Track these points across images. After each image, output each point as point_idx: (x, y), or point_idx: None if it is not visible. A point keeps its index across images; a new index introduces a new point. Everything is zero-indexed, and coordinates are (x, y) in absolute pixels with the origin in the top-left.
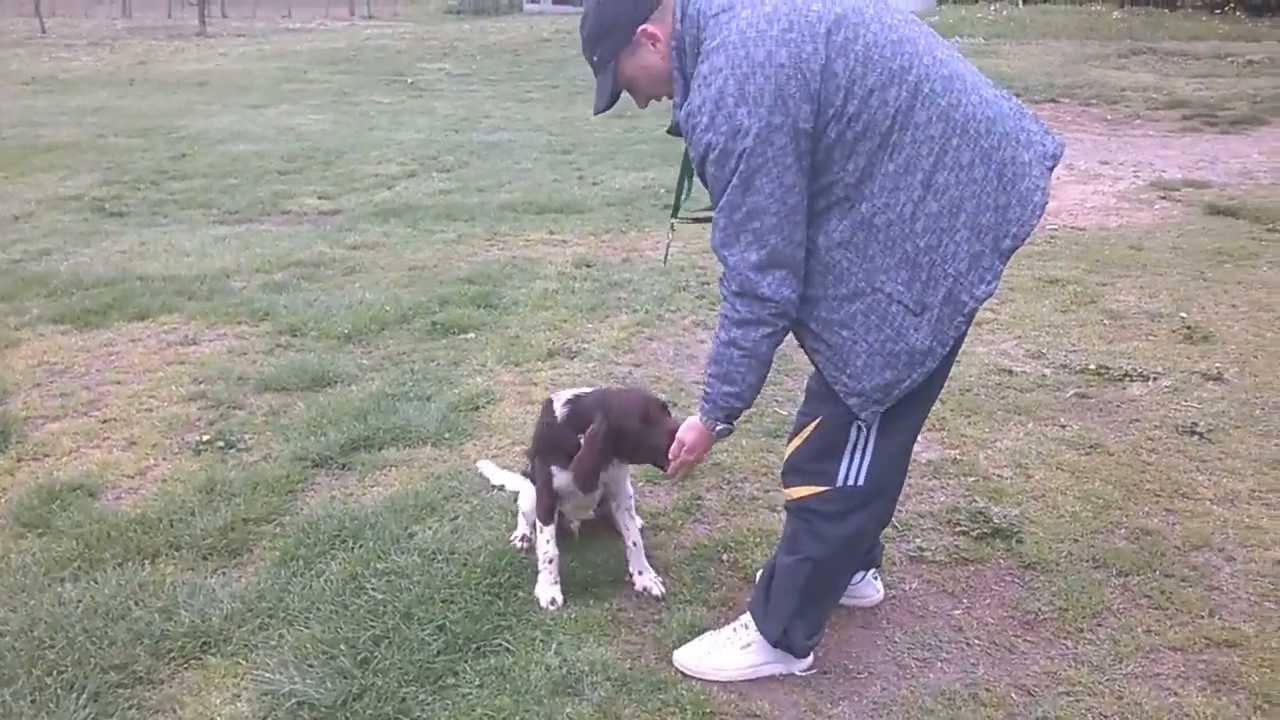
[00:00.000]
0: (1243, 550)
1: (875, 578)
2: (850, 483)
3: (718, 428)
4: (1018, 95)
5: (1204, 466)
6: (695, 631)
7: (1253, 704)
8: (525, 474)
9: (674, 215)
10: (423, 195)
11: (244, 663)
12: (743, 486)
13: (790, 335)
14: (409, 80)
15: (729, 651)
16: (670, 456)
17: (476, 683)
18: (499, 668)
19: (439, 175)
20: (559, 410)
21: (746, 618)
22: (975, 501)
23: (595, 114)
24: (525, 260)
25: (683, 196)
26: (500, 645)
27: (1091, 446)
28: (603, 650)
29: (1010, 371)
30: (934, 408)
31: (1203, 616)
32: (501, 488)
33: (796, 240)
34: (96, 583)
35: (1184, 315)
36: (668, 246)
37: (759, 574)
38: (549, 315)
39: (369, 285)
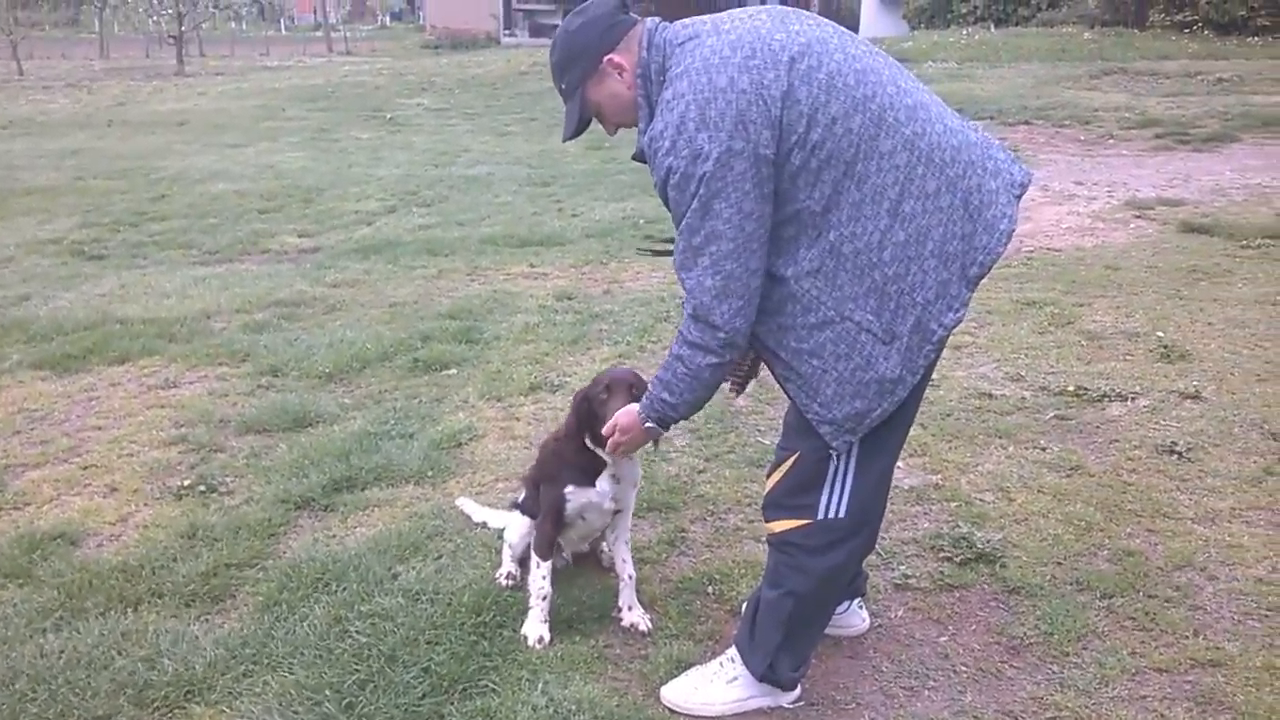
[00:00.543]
0: (1225, 569)
1: (860, 607)
2: (831, 515)
3: (647, 424)
4: (992, 118)
5: (1184, 486)
6: (682, 666)
7: None
8: (515, 505)
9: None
10: (403, 231)
11: (228, 711)
12: (726, 518)
13: None
14: (387, 116)
15: (716, 686)
16: (605, 433)
17: None
18: (485, 709)
19: (419, 210)
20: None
21: (732, 651)
22: (958, 527)
23: (564, 141)
24: (506, 294)
25: None
26: (486, 686)
27: (1072, 468)
28: (590, 688)
29: (990, 395)
30: (915, 433)
31: (1187, 637)
32: (484, 525)
33: (752, 268)
34: (79, 632)
35: (1161, 334)
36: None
37: (744, 606)
38: (531, 349)
39: (350, 323)
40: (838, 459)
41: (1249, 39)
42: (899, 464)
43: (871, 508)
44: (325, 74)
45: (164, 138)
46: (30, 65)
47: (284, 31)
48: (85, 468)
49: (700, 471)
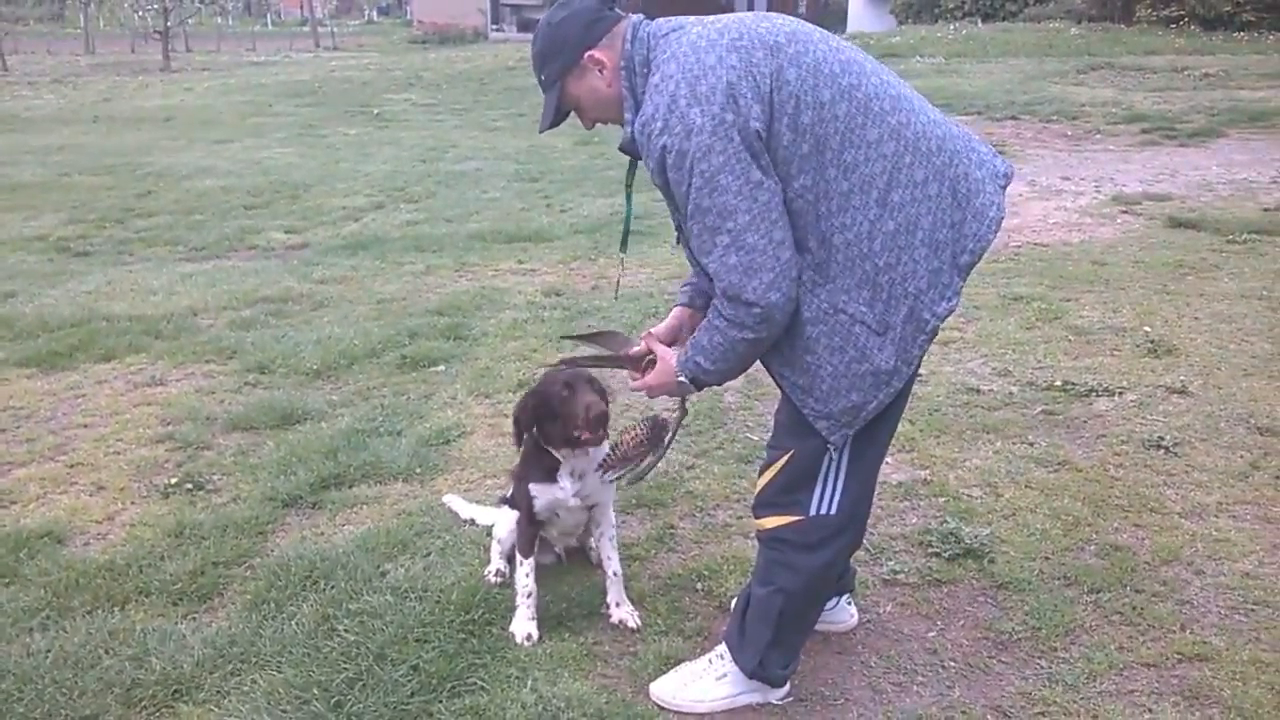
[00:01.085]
0: (1212, 563)
1: (849, 602)
2: (824, 512)
3: (680, 378)
4: (979, 113)
5: (1171, 480)
6: (671, 663)
7: (1226, 718)
8: (503, 500)
9: (621, 249)
10: (390, 227)
11: (216, 710)
12: (715, 514)
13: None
14: (375, 111)
15: (705, 682)
16: (632, 377)
17: None
18: (474, 707)
19: (406, 206)
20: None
21: (722, 648)
22: (946, 522)
23: (540, 132)
24: (494, 290)
25: (630, 228)
26: (475, 684)
27: (1060, 463)
28: (579, 685)
29: (978, 390)
30: (903, 428)
31: (1174, 631)
32: (472, 522)
33: (777, 239)
34: (66, 631)
35: (1148, 329)
36: (618, 281)
37: (734, 602)
38: (519, 345)
39: (337, 320)
40: (831, 455)
41: (1235, 34)
42: (887, 459)
43: (861, 504)
44: (312, 69)
45: (150, 134)
46: (15, 61)
47: (270, 27)
48: (72, 466)
49: (689, 468)
